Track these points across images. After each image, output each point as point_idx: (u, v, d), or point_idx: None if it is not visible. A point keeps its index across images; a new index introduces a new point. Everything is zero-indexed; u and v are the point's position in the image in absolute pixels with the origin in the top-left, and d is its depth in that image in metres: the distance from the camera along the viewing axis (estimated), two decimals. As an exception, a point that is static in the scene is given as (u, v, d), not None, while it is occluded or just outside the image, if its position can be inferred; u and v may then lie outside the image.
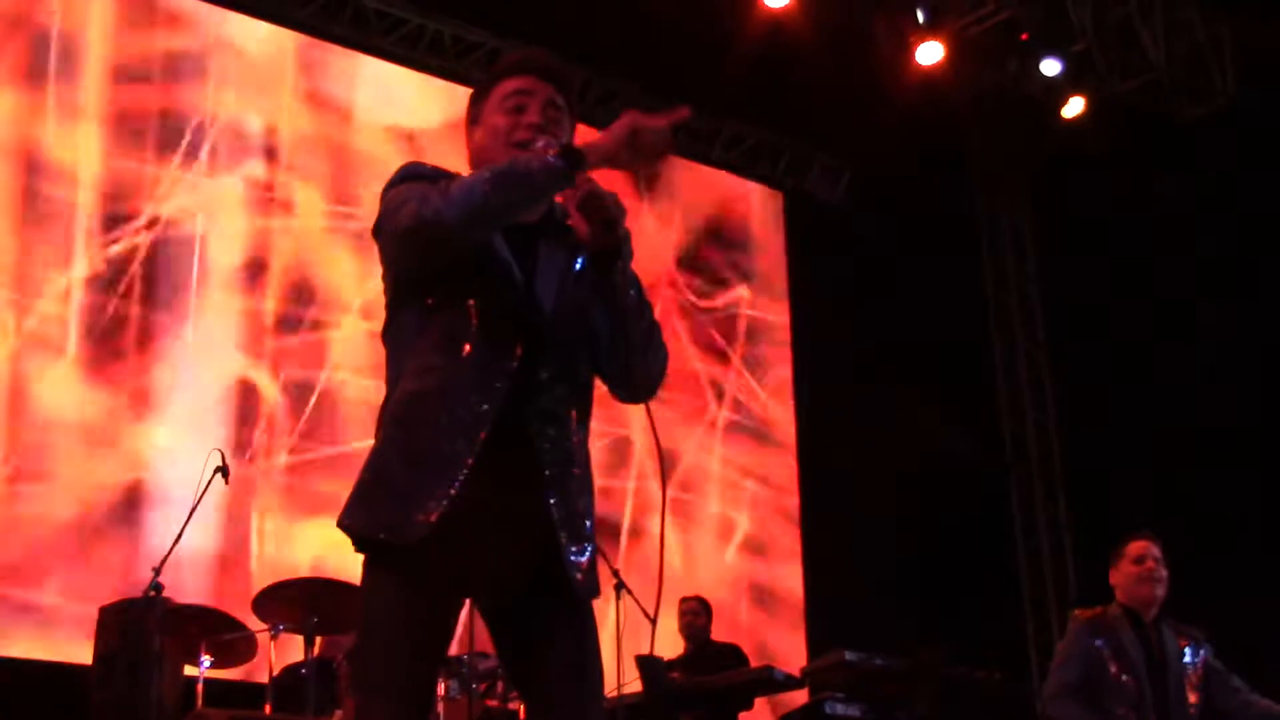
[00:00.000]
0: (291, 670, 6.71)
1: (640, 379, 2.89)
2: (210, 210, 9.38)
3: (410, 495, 2.65)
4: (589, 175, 2.75)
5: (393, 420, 2.74)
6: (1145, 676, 5.47)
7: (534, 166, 2.69)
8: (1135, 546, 5.68)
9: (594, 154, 2.73)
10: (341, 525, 2.73)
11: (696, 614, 8.25)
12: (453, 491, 2.64)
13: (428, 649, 2.73)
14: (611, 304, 2.79)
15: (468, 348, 2.73)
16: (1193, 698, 5.51)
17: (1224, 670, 5.62)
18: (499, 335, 2.75)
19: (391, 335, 2.85)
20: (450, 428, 2.67)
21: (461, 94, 10.60)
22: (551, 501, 2.73)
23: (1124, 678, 5.47)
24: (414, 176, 2.82)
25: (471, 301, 2.76)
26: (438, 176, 2.79)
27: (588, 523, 2.82)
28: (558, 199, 2.85)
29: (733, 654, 8.06)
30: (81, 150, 8.98)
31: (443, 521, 2.63)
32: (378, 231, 2.84)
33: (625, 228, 2.77)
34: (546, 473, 2.74)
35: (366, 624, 2.76)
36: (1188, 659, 5.59)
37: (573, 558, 2.75)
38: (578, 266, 2.87)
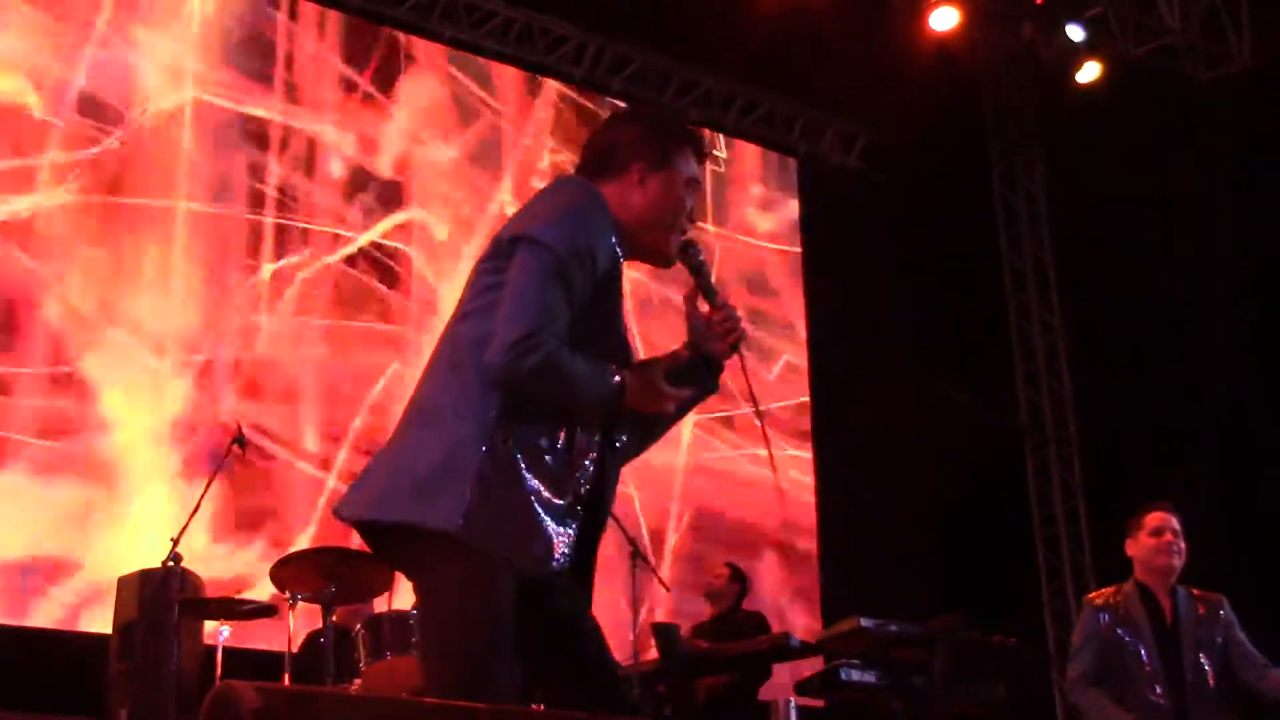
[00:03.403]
0: (312, 639, 6.76)
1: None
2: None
3: (552, 537, 2.93)
4: (733, 305, 3.19)
5: (529, 465, 2.94)
6: (1154, 646, 5.45)
7: (603, 400, 2.98)
8: (1153, 518, 5.65)
9: (634, 405, 3.02)
10: (445, 529, 2.84)
11: (718, 575, 8.25)
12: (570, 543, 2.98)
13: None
14: (693, 403, 3.17)
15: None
16: (1212, 667, 5.49)
17: (1245, 642, 5.59)
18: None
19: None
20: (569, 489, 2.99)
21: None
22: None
23: (1136, 655, 5.48)
24: (566, 269, 2.95)
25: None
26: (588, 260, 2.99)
27: None
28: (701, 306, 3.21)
29: (755, 623, 8.05)
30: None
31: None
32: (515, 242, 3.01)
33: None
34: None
35: (479, 629, 2.86)
36: (1208, 627, 5.57)
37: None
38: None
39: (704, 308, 3.19)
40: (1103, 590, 5.80)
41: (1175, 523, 5.64)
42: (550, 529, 2.91)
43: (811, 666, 7.29)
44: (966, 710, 6.72)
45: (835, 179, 12.35)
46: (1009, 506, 11.91)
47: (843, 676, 6.48)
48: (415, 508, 2.86)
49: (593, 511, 3.05)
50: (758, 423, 3.53)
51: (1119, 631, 5.53)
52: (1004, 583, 11.03)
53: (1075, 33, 11.01)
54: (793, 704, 6.95)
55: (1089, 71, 11.13)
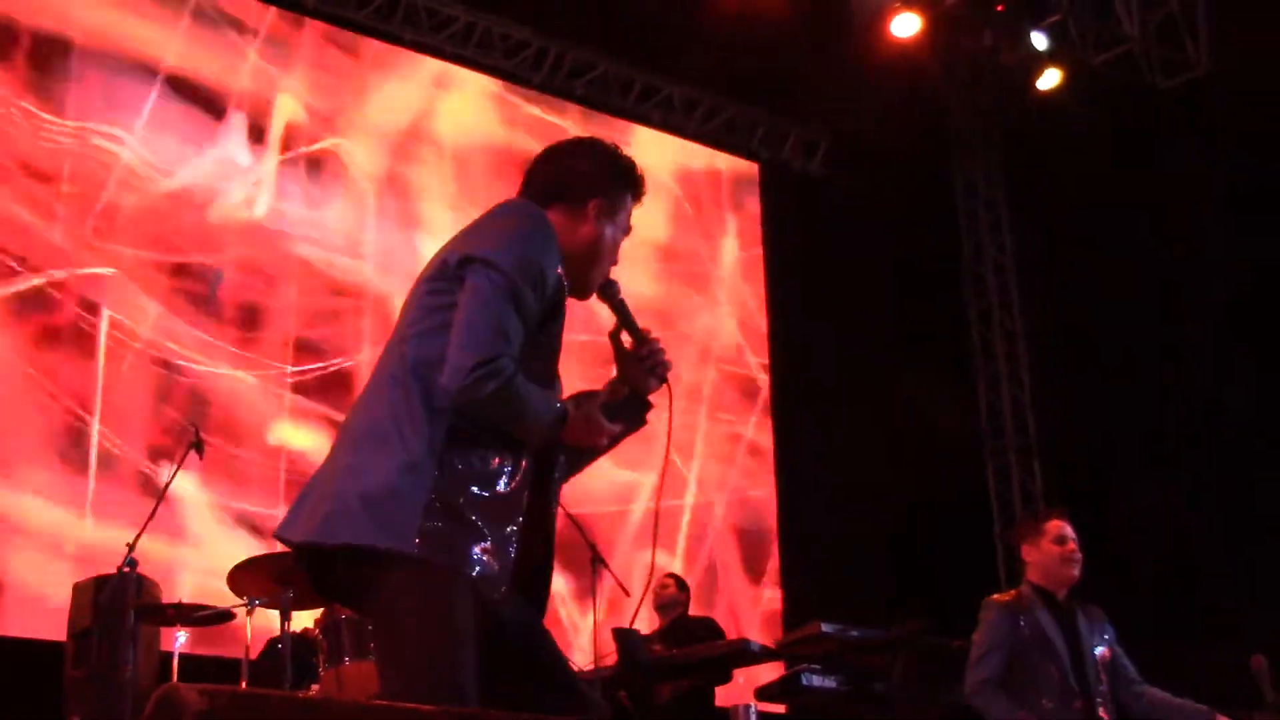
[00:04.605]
0: (271, 645, 6.70)
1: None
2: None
3: (500, 557, 2.90)
4: (656, 339, 3.26)
5: (477, 489, 2.91)
6: (1068, 659, 5.36)
7: (547, 428, 2.99)
8: (1054, 525, 5.57)
9: (570, 440, 3.07)
10: (400, 550, 2.80)
11: (666, 586, 8.24)
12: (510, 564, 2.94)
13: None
14: (622, 438, 3.18)
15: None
16: (1106, 674, 5.44)
17: (1123, 655, 5.55)
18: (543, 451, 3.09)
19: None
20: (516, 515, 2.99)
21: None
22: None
23: (1046, 662, 5.34)
24: (519, 292, 2.94)
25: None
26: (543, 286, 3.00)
27: None
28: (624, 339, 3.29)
29: (708, 628, 8.07)
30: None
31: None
32: (464, 265, 2.99)
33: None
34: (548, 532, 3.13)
35: (441, 641, 2.82)
36: (1099, 636, 5.52)
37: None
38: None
39: (628, 343, 3.27)
40: (1004, 594, 5.65)
41: (1072, 530, 5.57)
42: (499, 551, 2.89)
43: (773, 672, 7.30)
44: (928, 715, 6.73)
45: (797, 185, 12.36)
46: (970, 511, 11.94)
47: (804, 682, 6.48)
48: (367, 529, 2.80)
49: (538, 535, 3.06)
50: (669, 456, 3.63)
51: (1030, 635, 5.40)
52: (965, 587, 11.03)
53: (1039, 41, 11.06)
54: (753, 710, 6.92)
55: (1049, 79, 11.18)
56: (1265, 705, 5.33)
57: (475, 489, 2.89)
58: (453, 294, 2.95)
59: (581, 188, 3.19)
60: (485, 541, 2.86)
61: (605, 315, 3.31)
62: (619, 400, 3.18)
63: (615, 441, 3.19)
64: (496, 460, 2.94)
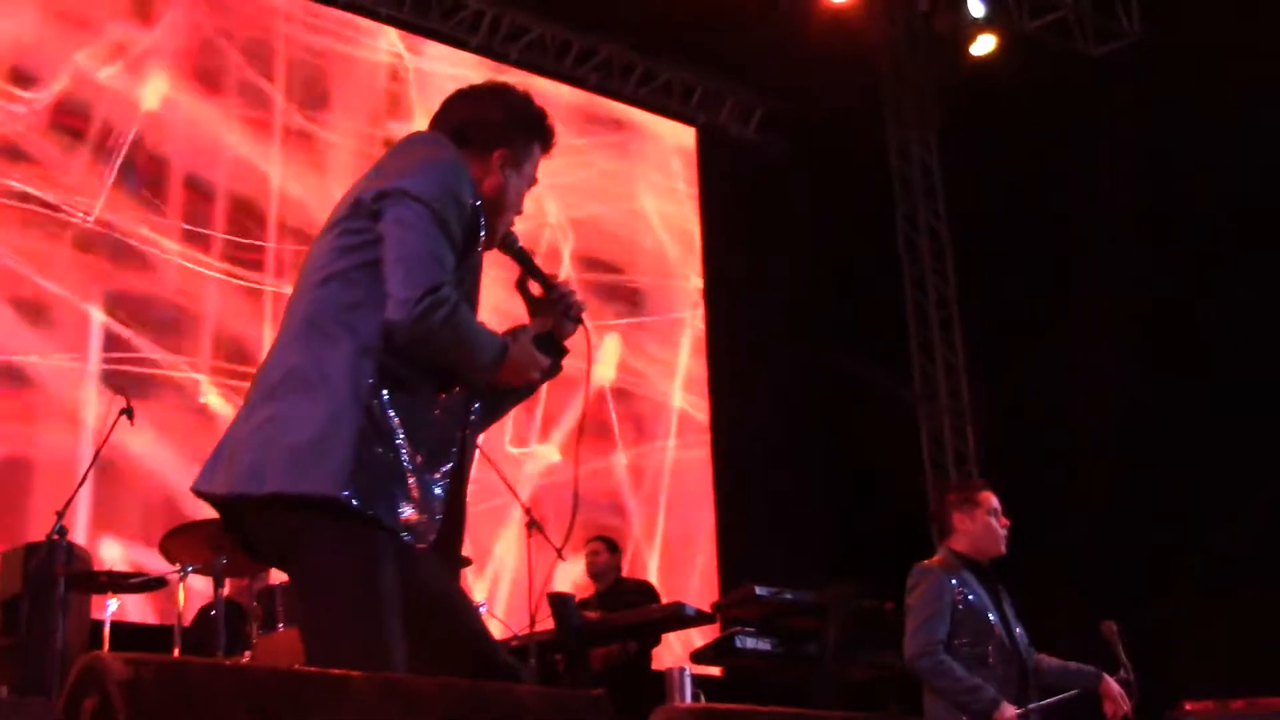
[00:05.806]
0: (204, 612, 6.67)
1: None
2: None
3: (429, 505, 2.86)
4: (564, 281, 3.24)
5: (407, 435, 2.85)
6: (1000, 619, 5.29)
7: (491, 361, 2.94)
8: (988, 496, 5.47)
9: (508, 375, 3.01)
10: (331, 495, 2.72)
11: (597, 553, 8.19)
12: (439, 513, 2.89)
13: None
14: (540, 382, 3.13)
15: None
16: (1022, 647, 5.41)
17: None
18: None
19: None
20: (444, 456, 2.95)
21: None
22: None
23: (988, 627, 5.25)
24: (445, 219, 2.88)
25: None
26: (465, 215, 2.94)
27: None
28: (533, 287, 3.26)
29: (644, 591, 8.08)
30: None
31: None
32: (381, 199, 2.91)
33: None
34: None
35: (366, 599, 2.74)
36: (1012, 606, 5.50)
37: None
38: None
39: (536, 290, 3.23)
40: (932, 560, 5.48)
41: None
42: (427, 499, 2.84)
43: (708, 635, 7.34)
44: (860, 676, 6.81)
45: (733, 149, 12.37)
46: (903, 475, 12.00)
47: (738, 644, 6.52)
48: (296, 476, 2.72)
49: (457, 484, 2.98)
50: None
51: (973, 600, 5.29)
52: (898, 551, 11.11)
53: (976, 7, 11.09)
54: (688, 673, 6.95)
55: (983, 44, 11.23)
56: (1119, 668, 5.36)
57: (404, 433, 2.82)
58: (369, 232, 2.87)
59: (488, 136, 3.12)
60: (414, 489, 2.81)
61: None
62: (542, 337, 3.13)
63: (534, 386, 3.15)
64: (427, 402, 2.90)
